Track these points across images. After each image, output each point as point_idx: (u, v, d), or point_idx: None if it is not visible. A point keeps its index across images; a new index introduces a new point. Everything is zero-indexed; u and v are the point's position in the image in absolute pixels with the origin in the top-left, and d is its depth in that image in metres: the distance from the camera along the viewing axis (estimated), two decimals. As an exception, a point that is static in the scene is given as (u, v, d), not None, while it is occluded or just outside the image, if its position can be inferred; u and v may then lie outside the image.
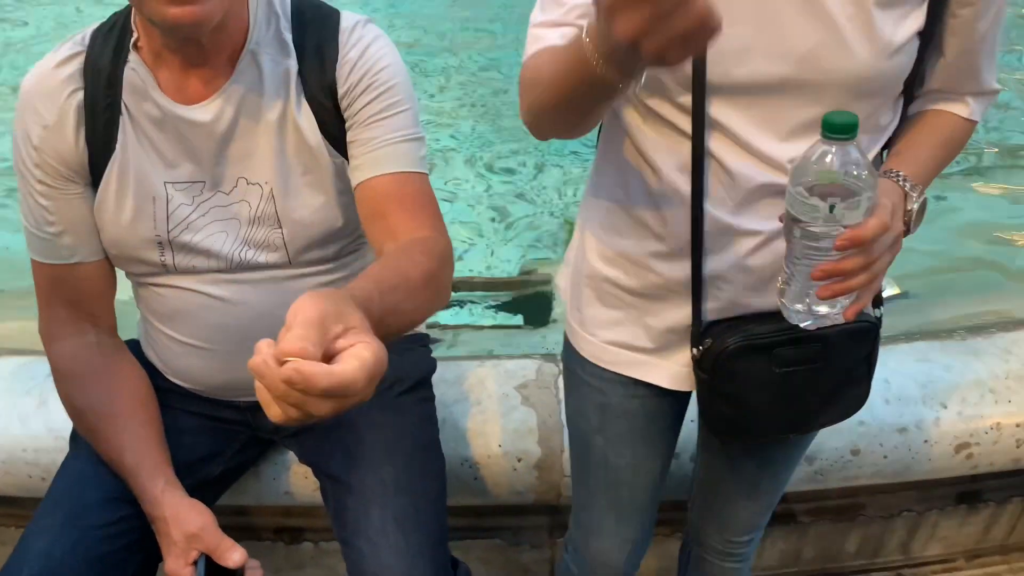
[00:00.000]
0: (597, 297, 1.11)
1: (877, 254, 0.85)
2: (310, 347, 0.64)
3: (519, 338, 1.99)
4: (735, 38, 0.83)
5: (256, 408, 1.32)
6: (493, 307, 2.18)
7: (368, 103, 1.11)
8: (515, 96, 0.94)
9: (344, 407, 0.65)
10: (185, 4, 0.96)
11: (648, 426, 1.16)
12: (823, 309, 0.88)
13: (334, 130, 1.13)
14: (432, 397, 1.40)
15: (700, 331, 1.03)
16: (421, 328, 1.47)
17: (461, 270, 2.32)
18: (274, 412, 0.66)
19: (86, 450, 1.24)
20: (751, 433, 1.10)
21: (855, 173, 0.81)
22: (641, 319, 1.07)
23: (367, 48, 1.13)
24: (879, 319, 1.06)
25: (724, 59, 0.87)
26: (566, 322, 1.19)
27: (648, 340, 1.08)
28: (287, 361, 0.63)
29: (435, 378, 1.43)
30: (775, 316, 0.94)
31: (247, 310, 1.20)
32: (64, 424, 1.52)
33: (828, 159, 0.81)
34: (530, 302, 2.18)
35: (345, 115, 1.12)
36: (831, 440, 1.52)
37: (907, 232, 0.94)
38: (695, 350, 1.04)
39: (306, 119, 1.12)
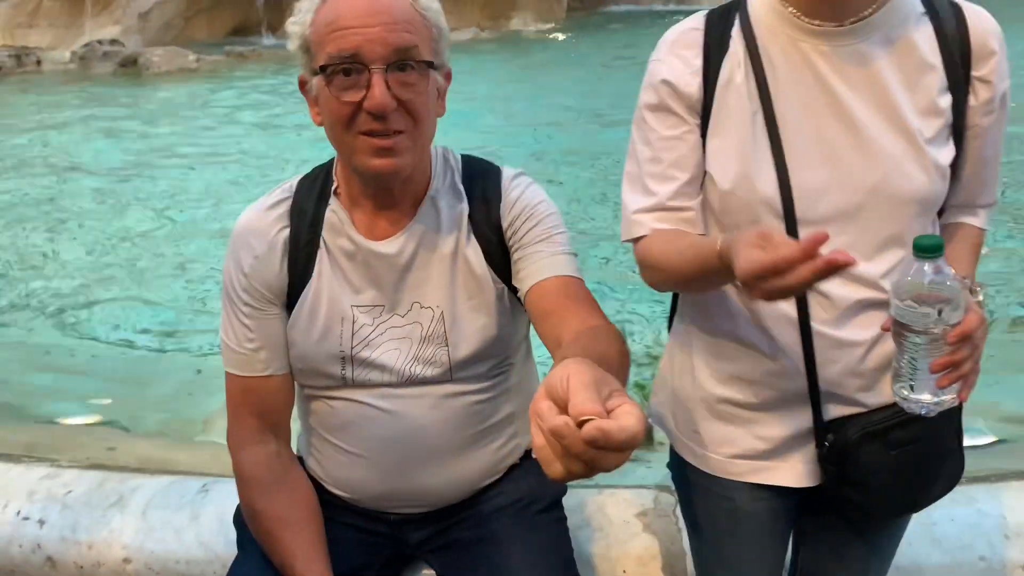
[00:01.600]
0: (715, 416, 1.24)
1: (978, 343, 1.02)
2: (600, 408, 0.71)
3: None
4: (812, 179, 1.09)
5: (403, 522, 1.43)
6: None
7: (530, 229, 1.30)
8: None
9: (623, 460, 0.72)
10: (385, 157, 1.19)
11: (774, 523, 1.27)
12: (943, 396, 1.03)
13: (498, 260, 1.31)
14: (565, 518, 1.48)
15: (823, 430, 1.17)
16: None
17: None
18: (556, 470, 0.72)
19: (255, 555, 1.36)
20: (878, 513, 1.22)
21: (949, 282, 0.99)
22: (760, 430, 1.21)
23: (524, 191, 1.34)
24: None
25: (807, 197, 1.09)
26: (678, 442, 1.32)
27: (768, 446, 1.21)
28: (586, 420, 0.70)
29: (563, 504, 1.52)
30: (881, 408, 1.13)
31: (409, 423, 1.34)
32: (214, 538, 1.65)
33: (928, 275, 0.99)
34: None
35: (510, 243, 1.30)
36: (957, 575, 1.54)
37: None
38: (820, 448, 1.17)
39: (474, 252, 1.31)
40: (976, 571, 1.54)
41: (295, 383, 1.39)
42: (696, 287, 1.16)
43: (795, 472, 1.22)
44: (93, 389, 3.03)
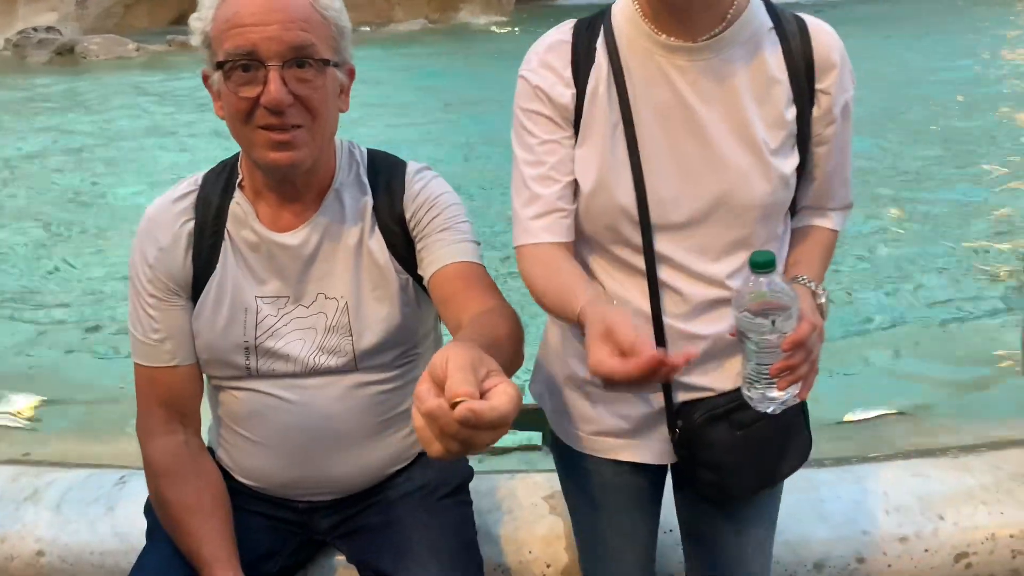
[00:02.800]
0: (581, 396, 1.33)
1: (813, 345, 1.10)
2: (473, 389, 0.77)
3: (536, 456, 2.14)
4: (666, 189, 1.17)
5: (312, 510, 1.48)
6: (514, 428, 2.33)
7: (433, 219, 1.35)
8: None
9: (497, 438, 0.78)
10: (283, 151, 1.24)
11: (640, 498, 1.37)
12: (784, 395, 1.12)
13: (402, 251, 1.36)
14: (470, 502, 1.54)
15: (674, 415, 1.26)
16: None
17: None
18: (436, 449, 0.78)
19: (163, 544, 1.39)
20: (732, 492, 1.29)
21: (782, 293, 1.08)
22: (620, 409, 1.30)
23: (427, 184, 1.39)
24: None
25: (660, 205, 1.18)
26: (552, 421, 1.40)
27: (628, 425, 1.30)
28: (459, 401, 0.75)
29: (469, 488, 1.58)
30: (726, 393, 1.21)
31: (314, 412, 1.38)
32: (129, 529, 1.67)
33: (762, 287, 1.08)
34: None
35: (414, 233, 1.36)
36: (837, 548, 1.64)
37: (823, 318, 1.21)
38: (673, 432, 1.26)
39: (377, 243, 1.36)
40: (859, 544, 1.65)
41: (202, 376, 1.42)
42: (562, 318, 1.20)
43: (652, 450, 1.31)
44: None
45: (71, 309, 3.88)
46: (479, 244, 1.38)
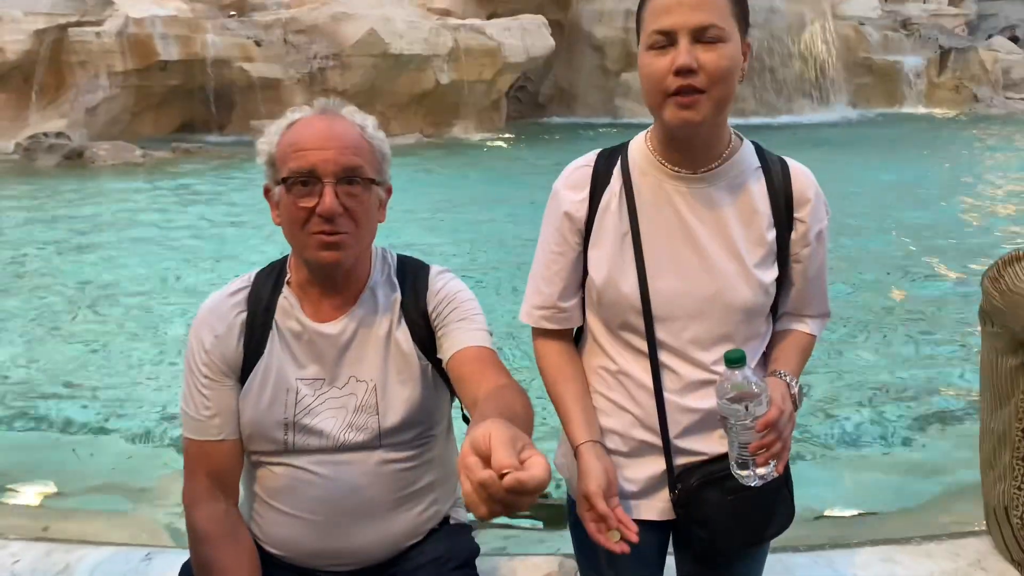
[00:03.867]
0: None
1: (783, 427, 1.35)
2: (516, 461, 0.92)
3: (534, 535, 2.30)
4: (665, 288, 1.43)
5: None
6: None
7: (451, 311, 1.57)
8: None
9: (534, 502, 0.92)
10: (331, 251, 1.48)
11: (647, 553, 1.53)
12: (763, 471, 1.35)
13: (424, 340, 1.57)
14: (477, 574, 1.69)
15: (674, 478, 1.46)
16: (463, 516, 1.79)
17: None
18: (482, 512, 0.93)
19: (199, 608, 1.53)
20: (720, 548, 1.48)
21: (752, 383, 1.32)
22: (627, 473, 1.50)
23: (447, 284, 1.62)
24: None
25: (661, 300, 1.44)
26: (570, 486, 1.58)
27: (634, 487, 1.49)
28: (506, 473, 0.90)
29: (475, 563, 1.73)
30: (717, 458, 1.43)
31: (341, 486, 1.55)
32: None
33: (736, 379, 1.32)
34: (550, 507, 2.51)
35: (435, 324, 1.57)
36: (812, 625, 1.79)
37: (796, 407, 1.45)
38: (673, 494, 1.46)
39: (403, 334, 1.57)
40: (830, 622, 1.80)
41: (243, 451, 1.60)
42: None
43: (655, 509, 1.50)
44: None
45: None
46: (491, 334, 1.59)
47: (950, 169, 11.23)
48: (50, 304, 5.59)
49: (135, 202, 8.99)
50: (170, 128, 14.47)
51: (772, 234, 1.44)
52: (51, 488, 2.91)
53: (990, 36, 24.63)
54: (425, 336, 1.58)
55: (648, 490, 1.50)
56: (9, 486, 2.89)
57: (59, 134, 11.82)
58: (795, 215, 1.46)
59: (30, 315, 5.35)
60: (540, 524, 2.26)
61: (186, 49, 13.39)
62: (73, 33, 12.82)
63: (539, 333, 1.55)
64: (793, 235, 1.46)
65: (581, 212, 1.47)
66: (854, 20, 19.88)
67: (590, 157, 1.52)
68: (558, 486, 2.69)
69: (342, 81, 13.76)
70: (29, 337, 4.95)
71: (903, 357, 4.47)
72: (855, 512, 2.75)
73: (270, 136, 1.53)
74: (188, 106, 14.40)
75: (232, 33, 14.10)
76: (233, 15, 15.05)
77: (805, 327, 1.56)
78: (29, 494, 2.86)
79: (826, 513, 2.75)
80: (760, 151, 1.49)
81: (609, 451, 1.48)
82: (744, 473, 1.36)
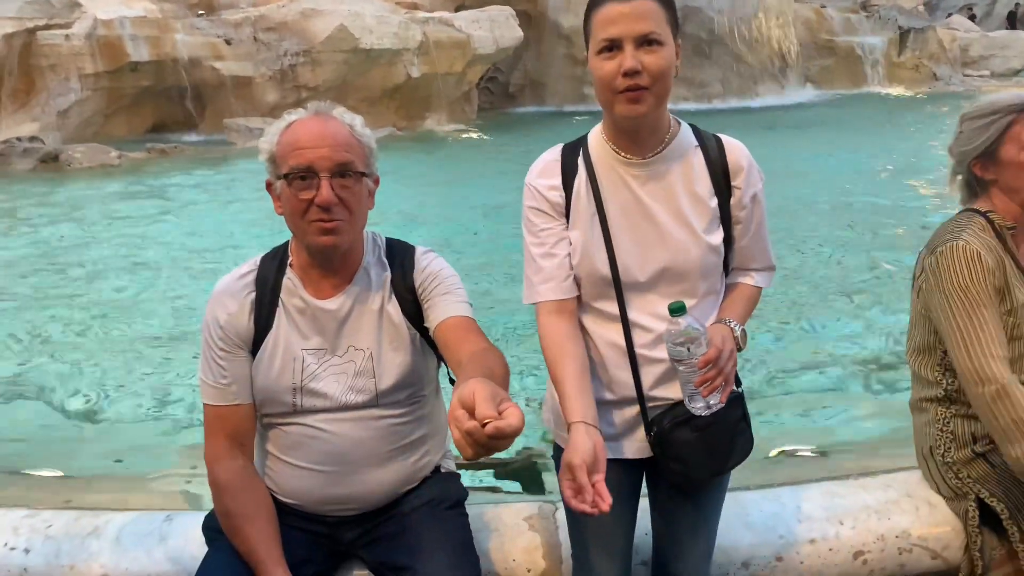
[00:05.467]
0: None
1: (723, 364, 1.60)
2: (495, 413, 1.16)
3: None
4: (629, 259, 1.68)
5: (339, 523, 1.85)
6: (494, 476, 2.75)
7: (436, 287, 1.79)
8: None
9: (510, 444, 1.16)
10: (329, 236, 1.69)
11: (623, 490, 1.76)
12: (711, 402, 1.60)
13: (412, 313, 1.80)
14: (467, 514, 1.93)
15: (649, 422, 1.71)
16: (452, 466, 2.02)
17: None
18: (469, 453, 1.16)
19: (222, 549, 1.75)
20: (693, 480, 1.74)
21: (692, 329, 1.58)
22: (607, 418, 1.74)
23: (431, 262, 1.84)
24: (741, 392, 1.77)
25: (626, 270, 1.68)
26: (557, 436, 1.84)
27: (613, 430, 1.74)
28: (487, 422, 1.14)
29: (465, 505, 1.96)
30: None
31: (345, 440, 1.78)
32: (181, 554, 2.02)
33: (679, 326, 1.57)
34: (527, 471, 2.74)
35: (421, 298, 1.79)
36: (761, 550, 2.05)
37: (740, 348, 1.70)
38: (649, 436, 1.71)
39: (394, 307, 1.79)
40: (776, 546, 2.05)
41: (256, 413, 1.82)
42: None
43: (633, 448, 1.76)
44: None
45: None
46: (472, 305, 1.82)
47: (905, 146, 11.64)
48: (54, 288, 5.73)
49: (117, 203, 9.10)
50: (143, 129, 14.50)
51: (714, 202, 1.70)
52: (66, 468, 3.11)
53: (949, 15, 25.15)
54: (413, 309, 1.80)
55: (626, 432, 1.75)
56: (25, 469, 3.08)
57: (33, 138, 11.83)
58: (732, 183, 1.71)
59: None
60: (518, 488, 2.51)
61: (156, 50, 13.44)
62: (42, 36, 12.83)
63: (544, 311, 1.70)
64: (732, 200, 1.72)
65: (556, 197, 1.71)
66: (815, 3, 20.27)
67: (556, 151, 1.76)
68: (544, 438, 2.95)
69: (313, 77, 13.88)
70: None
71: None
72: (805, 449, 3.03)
73: (270, 136, 1.75)
74: (160, 106, 14.45)
75: (202, 32, 14.15)
76: (202, 14, 15.08)
77: (751, 280, 1.82)
78: (46, 473, 3.06)
79: (774, 452, 3.02)
80: (696, 131, 1.74)
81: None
82: (694, 405, 1.62)
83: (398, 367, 1.80)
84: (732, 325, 1.71)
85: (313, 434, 1.79)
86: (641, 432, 1.75)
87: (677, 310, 1.57)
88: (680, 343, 1.57)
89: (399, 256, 1.85)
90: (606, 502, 1.43)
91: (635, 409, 1.74)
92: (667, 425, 1.70)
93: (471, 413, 1.17)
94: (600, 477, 1.48)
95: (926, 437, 2.15)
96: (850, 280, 5.65)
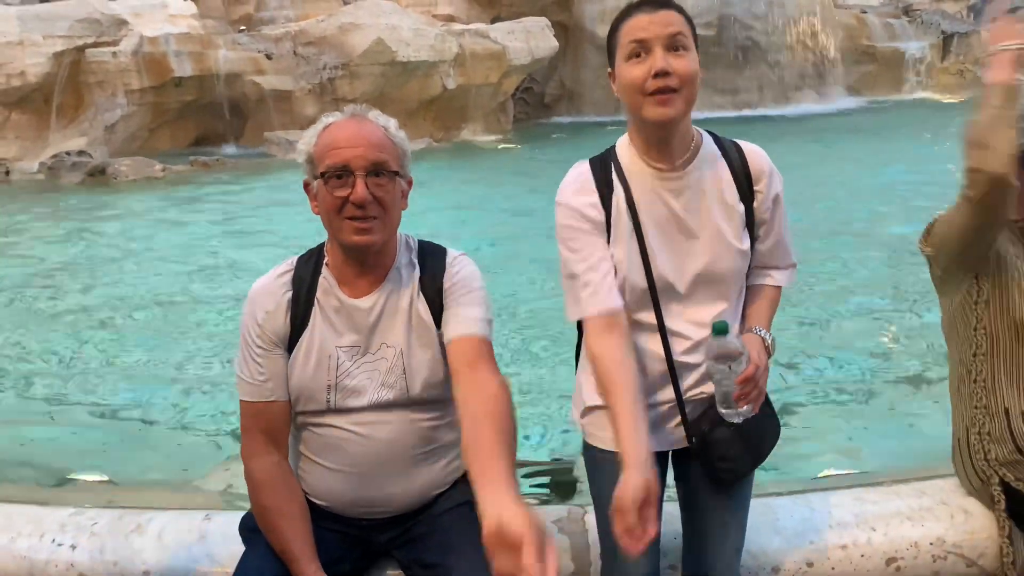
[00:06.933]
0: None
1: (759, 378, 1.68)
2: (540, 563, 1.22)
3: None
4: (665, 269, 1.72)
5: (371, 526, 1.89)
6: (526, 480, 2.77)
7: (461, 295, 1.83)
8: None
9: None
10: (363, 235, 1.74)
11: None
12: (743, 410, 1.67)
13: (439, 313, 1.84)
14: (496, 517, 1.95)
15: (688, 428, 1.78)
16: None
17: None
18: None
19: (259, 547, 1.80)
20: (736, 472, 1.79)
21: (734, 348, 1.63)
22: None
23: (461, 268, 1.87)
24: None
25: (663, 280, 1.73)
26: (587, 435, 1.88)
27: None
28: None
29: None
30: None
31: (377, 443, 1.82)
32: (219, 552, 2.08)
33: (721, 344, 1.62)
34: (557, 476, 2.77)
35: (446, 303, 1.83)
36: (791, 555, 2.04)
37: (770, 355, 1.74)
38: (691, 441, 1.78)
39: (423, 307, 1.84)
40: (807, 551, 2.04)
41: (291, 412, 1.87)
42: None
43: (662, 440, 1.82)
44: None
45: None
46: (491, 320, 1.85)
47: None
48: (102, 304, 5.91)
49: (160, 213, 9.34)
50: (186, 142, 14.83)
51: (741, 208, 1.75)
52: (108, 473, 3.21)
53: (994, 19, 24.63)
54: (439, 310, 1.84)
55: (655, 426, 1.79)
56: (71, 475, 3.19)
57: (81, 152, 12.19)
58: (755, 187, 1.77)
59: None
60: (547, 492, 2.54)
61: (199, 65, 13.75)
62: (90, 54, 13.20)
63: (595, 331, 1.71)
64: (755, 203, 1.77)
65: (596, 215, 1.74)
66: (856, 9, 20.02)
67: (583, 167, 1.80)
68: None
69: (351, 90, 14.08)
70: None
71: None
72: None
73: (308, 138, 1.81)
74: (203, 120, 14.76)
75: (243, 48, 14.44)
76: (243, 30, 15.41)
77: (771, 280, 1.87)
78: (89, 478, 3.16)
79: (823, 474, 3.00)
80: (716, 139, 1.79)
81: None
82: (728, 412, 1.68)
83: (427, 365, 1.83)
84: (763, 335, 1.76)
85: (346, 436, 1.83)
86: (671, 425, 1.80)
87: (721, 331, 1.62)
88: (722, 361, 1.63)
89: (430, 258, 1.89)
90: (647, 540, 1.47)
91: (667, 405, 1.79)
92: (706, 429, 1.77)
93: (509, 547, 1.24)
94: (652, 513, 1.49)
95: (961, 418, 2.13)
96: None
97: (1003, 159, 1.76)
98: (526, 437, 3.28)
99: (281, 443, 1.85)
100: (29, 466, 3.25)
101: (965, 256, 1.99)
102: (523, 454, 3.01)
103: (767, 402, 1.81)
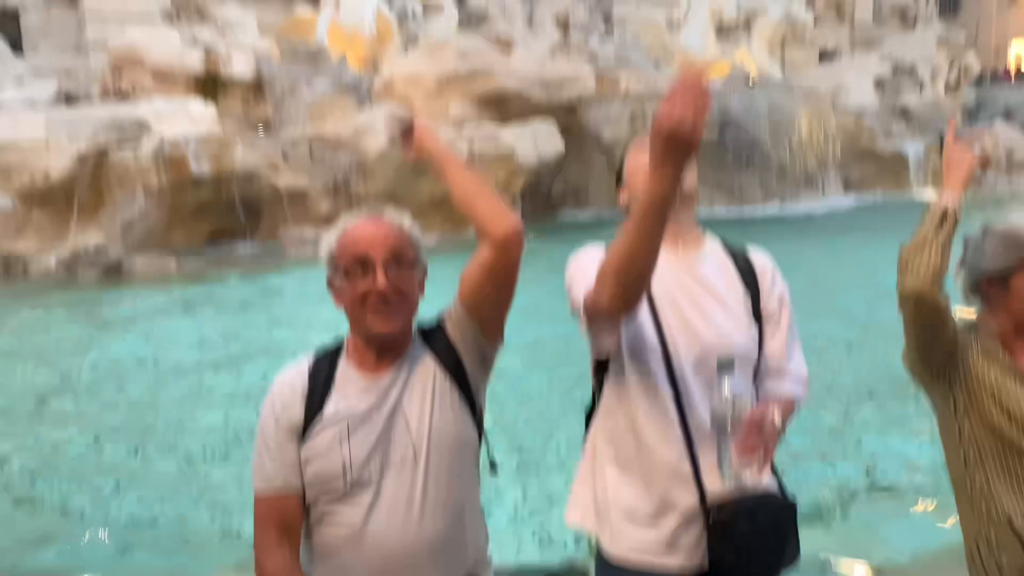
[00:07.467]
0: (624, 518, 1.80)
1: (766, 431, 1.71)
2: None
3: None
4: (679, 339, 1.83)
5: None
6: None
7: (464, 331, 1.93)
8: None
9: None
10: (386, 324, 1.82)
11: None
12: (746, 473, 1.69)
13: (453, 366, 1.90)
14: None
15: (707, 512, 1.81)
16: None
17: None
18: None
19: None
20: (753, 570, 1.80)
21: (739, 395, 1.73)
22: (657, 522, 1.82)
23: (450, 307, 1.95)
24: (794, 503, 1.92)
25: (675, 349, 1.83)
26: (599, 541, 1.86)
27: (665, 533, 1.82)
28: None
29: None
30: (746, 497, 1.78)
31: (390, 541, 1.80)
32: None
33: (727, 387, 1.73)
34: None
35: (452, 339, 1.92)
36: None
37: (782, 431, 1.79)
38: (712, 537, 1.80)
39: (440, 374, 1.89)
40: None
41: (304, 507, 1.86)
42: (644, 236, 1.62)
43: (685, 557, 1.84)
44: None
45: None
46: None
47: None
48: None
49: (174, 312, 9.46)
50: (201, 237, 15.12)
51: (748, 300, 1.90)
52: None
53: (991, 121, 25.33)
54: (454, 362, 1.91)
55: (675, 540, 1.82)
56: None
57: (98, 248, 12.45)
58: (759, 282, 1.93)
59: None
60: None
61: (217, 165, 14.19)
62: (114, 155, 13.66)
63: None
64: (761, 296, 1.92)
65: None
66: (854, 111, 20.66)
67: (599, 246, 1.92)
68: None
69: (365, 188, 14.47)
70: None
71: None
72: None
73: (329, 239, 1.90)
74: (218, 216, 15.09)
75: (261, 149, 14.94)
76: (261, 127, 15.97)
77: (782, 389, 1.94)
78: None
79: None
80: (724, 244, 1.98)
81: (635, 517, 1.83)
82: (730, 477, 1.71)
83: (453, 424, 1.87)
84: (776, 408, 1.79)
85: (357, 536, 1.81)
86: (690, 539, 1.83)
87: (726, 365, 1.71)
88: (725, 403, 1.69)
89: (429, 328, 1.96)
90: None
91: (688, 503, 1.83)
92: (726, 516, 1.79)
93: None
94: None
95: (969, 527, 2.10)
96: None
97: (919, 280, 1.86)
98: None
99: (294, 538, 1.85)
100: None
101: (928, 366, 2.04)
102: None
103: (793, 517, 1.86)
